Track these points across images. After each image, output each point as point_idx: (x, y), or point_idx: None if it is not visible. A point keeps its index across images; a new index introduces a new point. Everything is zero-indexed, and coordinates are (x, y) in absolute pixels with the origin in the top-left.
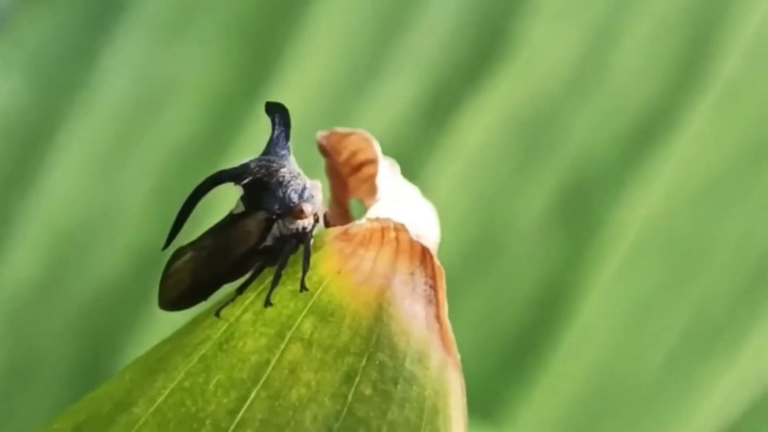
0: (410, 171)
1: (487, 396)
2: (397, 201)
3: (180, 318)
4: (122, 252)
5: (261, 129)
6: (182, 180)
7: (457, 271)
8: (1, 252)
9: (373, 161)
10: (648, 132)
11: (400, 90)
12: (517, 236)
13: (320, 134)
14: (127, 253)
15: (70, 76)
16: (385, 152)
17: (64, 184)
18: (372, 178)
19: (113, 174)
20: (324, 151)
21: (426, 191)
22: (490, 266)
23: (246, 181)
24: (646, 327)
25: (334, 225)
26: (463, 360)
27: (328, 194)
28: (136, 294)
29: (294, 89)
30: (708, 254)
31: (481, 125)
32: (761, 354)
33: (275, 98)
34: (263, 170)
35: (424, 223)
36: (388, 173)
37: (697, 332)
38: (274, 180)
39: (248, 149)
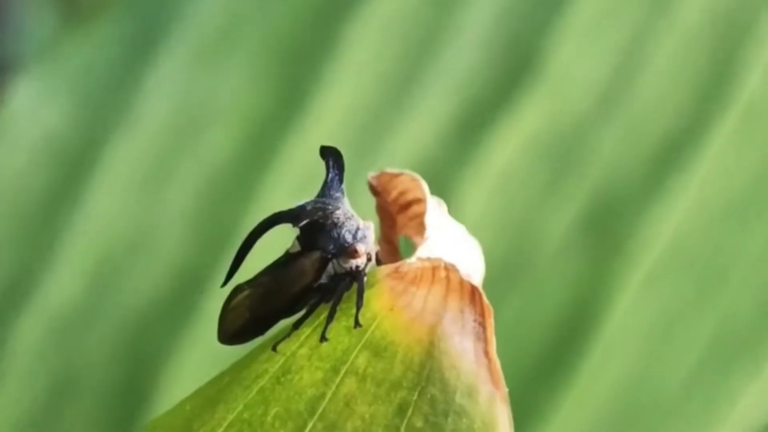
0: (441, 189)
1: (515, 410)
2: (445, 239)
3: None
4: (162, 272)
5: (297, 151)
6: (221, 201)
7: (486, 288)
8: (45, 272)
9: (420, 200)
10: (672, 151)
11: (431, 110)
12: (544, 253)
13: (371, 175)
14: (168, 274)
15: (114, 100)
16: (417, 170)
17: (106, 206)
18: (420, 216)
19: (154, 195)
20: (374, 191)
21: (456, 209)
22: (518, 282)
23: (303, 223)
24: (670, 341)
25: (384, 262)
26: None
27: (377, 231)
28: (176, 314)
29: (330, 111)
30: (731, 270)
31: (510, 145)
32: None
33: (312, 120)
34: (319, 212)
35: (470, 260)
36: (435, 212)
37: (720, 347)
38: (329, 221)
39: (285, 171)
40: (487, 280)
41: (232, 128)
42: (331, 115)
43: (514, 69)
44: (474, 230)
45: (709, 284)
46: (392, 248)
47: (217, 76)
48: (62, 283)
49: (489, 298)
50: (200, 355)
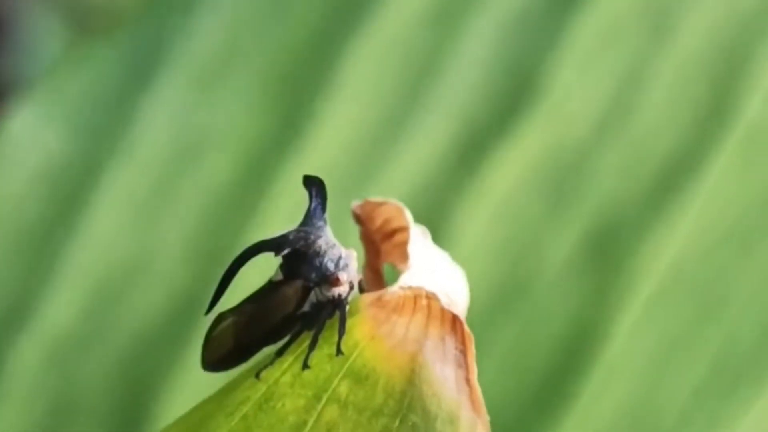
0: (440, 216)
1: None
2: (428, 268)
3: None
4: (160, 297)
5: (295, 177)
6: (218, 227)
7: (486, 313)
8: (44, 295)
9: (404, 229)
10: (672, 176)
11: (430, 136)
12: (544, 279)
13: (354, 204)
14: (166, 298)
15: (113, 125)
16: (416, 196)
17: (105, 230)
18: (404, 244)
19: (152, 221)
20: (358, 219)
21: (456, 235)
22: (518, 308)
23: (285, 252)
24: (671, 366)
25: (368, 289)
26: (491, 399)
27: (362, 258)
28: (174, 338)
29: (328, 137)
30: (732, 294)
31: (509, 171)
32: None
33: (310, 146)
34: (302, 241)
35: (454, 288)
36: (419, 240)
37: (721, 371)
38: (311, 250)
39: (283, 197)
40: (487, 305)
41: (230, 154)
42: (329, 141)
43: (513, 95)
44: (474, 256)
45: (710, 309)
46: (377, 276)
47: (216, 102)
48: (61, 307)
49: (488, 323)
50: (198, 379)
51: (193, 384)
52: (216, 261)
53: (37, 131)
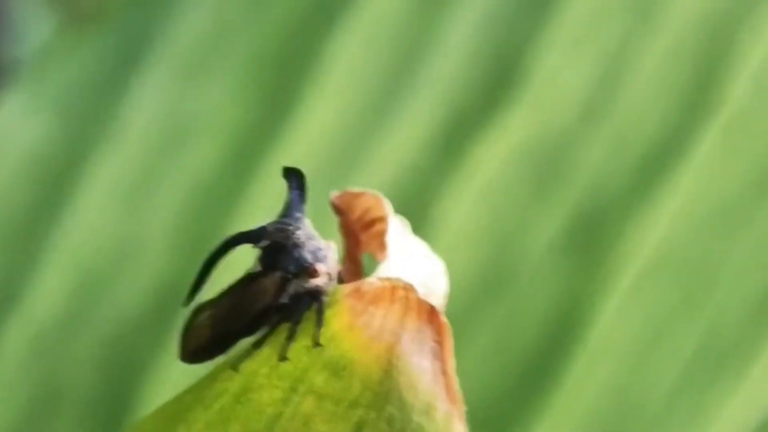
0: (425, 201)
1: (499, 420)
2: (406, 258)
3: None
4: (146, 285)
5: (279, 164)
6: (204, 215)
7: (471, 298)
8: (29, 284)
9: (383, 219)
10: (658, 159)
11: (415, 121)
12: (529, 263)
13: (333, 194)
14: (151, 287)
15: (99, 113)
16: (401, 181)
17: (90, 219)
18: (383, 234)
19: (138, 209)
20: (338, 210)
21: (440, 221)
22: (502, 292)
23: (264, 243)
24: (655, 351)
25: (347, 280)
26: (475, 386)
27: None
28: (159, 326)
29: (314, 124)
30: (716, 279)
31: (495, 155)
32: None
33: (296, 133)
34: (280, 233)
35: (432, 278)
36: (397, 231)
37: (706, 355)
38: (290, 242)
39: (269, 184)
40: (472, 290)
41: (216, 142)
42: (315, 128)
43: (498, 79)
44: (458, 241)
45: (694, 292)
46: (356, 267)
47: (202, 90)
48: (46, 296)
49: (473, 308)
50: (183, 367)
51: (178, 372)
52: (202, 249)
53: (23, 119)
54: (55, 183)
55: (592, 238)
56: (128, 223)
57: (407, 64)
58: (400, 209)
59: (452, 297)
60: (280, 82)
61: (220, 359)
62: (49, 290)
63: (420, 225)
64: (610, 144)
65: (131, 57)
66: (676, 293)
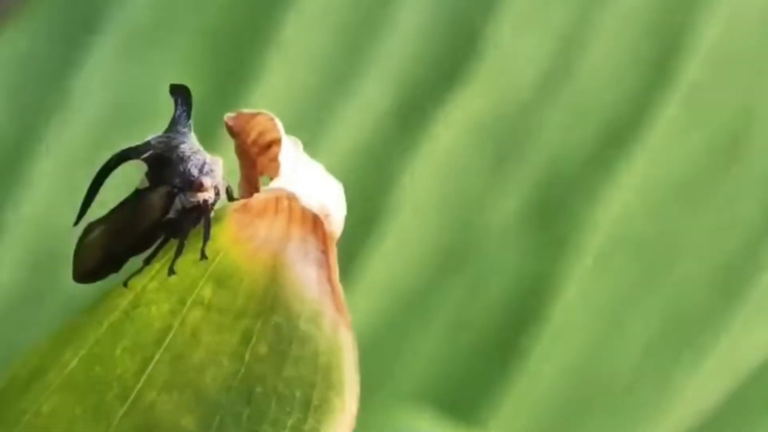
0: (383, 178)
1: (463, 396)
2: (301, 177)
3: None
4: None
5: (230, 139)
6: None
7: (432, 274)
8: None
9: (279, 141)
10: (616, 133)
11: (372, 96)
12: (490, 237)
13: (228, 116)
14: None
15: (46, 92)
16: (359, 156)
17: (43, 195)
18: (278, 156)
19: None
20: (232, 132)
21: (400, 194)
22: (464, 266)
23: (146, 155)
24: (620, 324)
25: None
26: (442, 357)
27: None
28: None
29: (268, 99)
30: (680, 251)
31: (453, 129)
32: (735, 347)
33: (251, 106)
34: (163, 146)
35: (327, 197)
36: (290, 151)
37: (669, 329)
38: (174, 155)
39: (223, 157)
40: (435, 264)
41: (167, 117)
42: (269, 103)
43: (454, 53)
44: (418, 217)
45: (658, 266)
46: (253, 189)
47: (153, 64)
48: (1, 271)
49: (434, 283)
50: None
51: None
52: None
53: None
54: (5, 164)
55: (553, 211)
56: (81, 197)
57: (362, 39)
58: (358, 186)
59: (413, 273)
60: (233, 57)
61: (113, 278)
62: (5, 265)
63: (379, 201)
64: (569, 118)
65: (80, 34)
66: (640, 265)
